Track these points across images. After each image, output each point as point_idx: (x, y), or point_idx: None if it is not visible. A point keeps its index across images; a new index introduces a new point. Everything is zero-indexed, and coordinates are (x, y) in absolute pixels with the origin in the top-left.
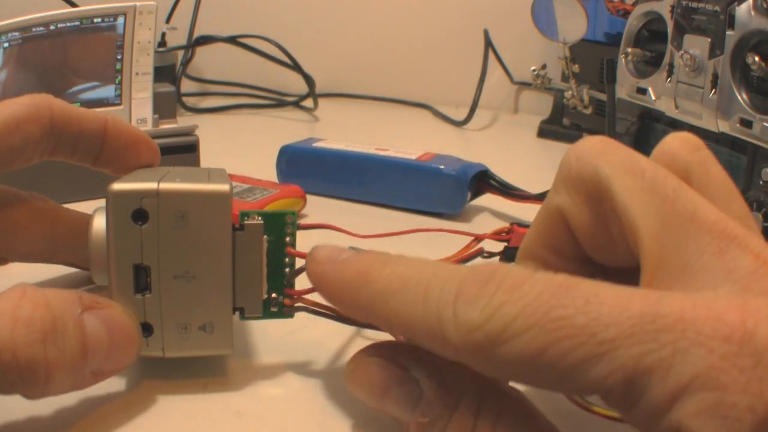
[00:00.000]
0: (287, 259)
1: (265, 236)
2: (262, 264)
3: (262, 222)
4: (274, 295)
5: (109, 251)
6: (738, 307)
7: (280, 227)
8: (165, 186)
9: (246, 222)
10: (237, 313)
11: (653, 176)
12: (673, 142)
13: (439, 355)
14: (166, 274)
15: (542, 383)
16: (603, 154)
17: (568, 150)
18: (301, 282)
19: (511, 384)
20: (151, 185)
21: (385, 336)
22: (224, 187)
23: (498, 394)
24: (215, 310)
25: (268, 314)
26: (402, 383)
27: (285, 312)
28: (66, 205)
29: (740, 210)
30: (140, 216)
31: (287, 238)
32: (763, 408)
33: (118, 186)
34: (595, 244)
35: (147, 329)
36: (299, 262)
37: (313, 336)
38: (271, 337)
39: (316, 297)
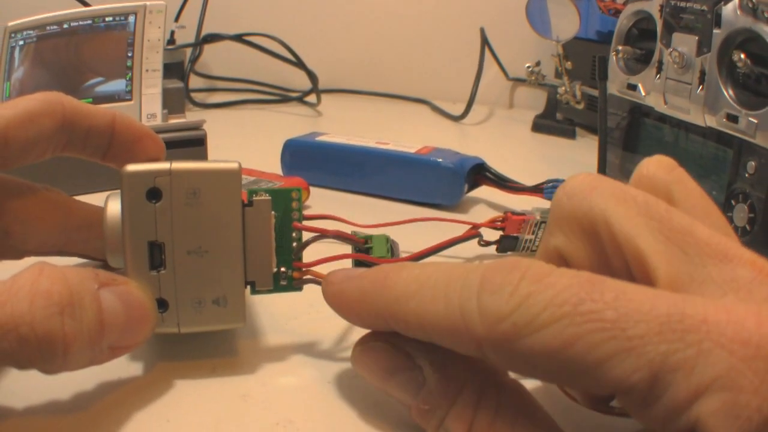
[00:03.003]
0: (294, 234)
1: (273, 212)
2: (270, 238)
3: (269, 198)
4: (283, 268)
5: (124, 230)
6: (754, 313)
7: (286, 203)
8: (177, 165)
9: (255, 198)
10: (248, 287)
11: (645, 201)
12: (650, 166)
13: (459, 351)
14: (179, 250)
15: (565, 378)
16: (593, 189)
17: (557, 191)
18: (309, 255)
19: (513, 377)
20: (164, 165)
21: None
22: (233, 165)
23: (498, 387)
24: (228, 283)
25: (278, 287)
26: (406, 370)
27: (294, 285)
28: (77, 198)
29: (719, 221)
30: (154, 194)
31: (294, 214)
32: None
33: (132, 167)
34: None
35: (162, 305)
36: (306, 237)
37: (318, 318)
38: (277, 319)
39: (323, 269)
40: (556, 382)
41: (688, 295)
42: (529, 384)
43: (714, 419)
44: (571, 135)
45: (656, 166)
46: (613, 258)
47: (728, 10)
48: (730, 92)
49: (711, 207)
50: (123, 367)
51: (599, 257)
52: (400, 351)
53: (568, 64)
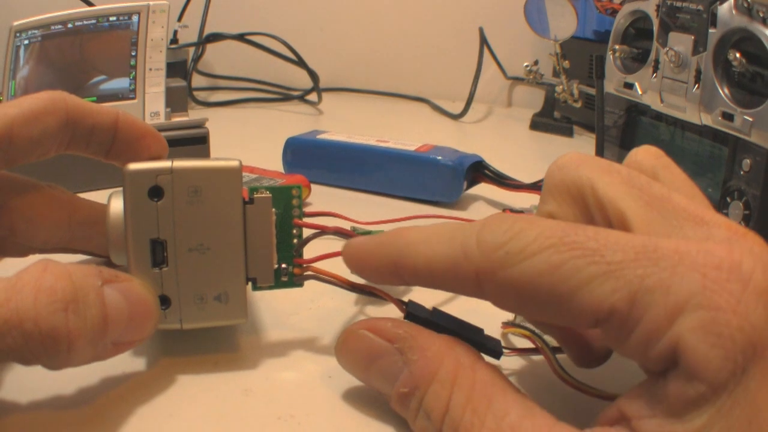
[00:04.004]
0: (295, 231)
1: (273, 209)
2: (271, 235)
3: (270, 196)
4: (284, 265)
5: (127, 227)
6: (725, 246)
7: (287, 200)
8: (179, 164)
9: (255, 196)
10: (250, 283)
11: (628, 173)
12: (639, 153)
13: (458, 290)
14: (181, 248)
15: (552, 307)
16: (582, 162)
17: (550, 165)
18: (309, 252)
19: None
20: (166, 164)
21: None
22: (234, 163)
23: (473, 366)
24: (229, 280)
25: (279, 284)
26: (386, 355)
27: (295, 281)
28: (81, 195)
29: (700, 199)
30: (156, 193)
31: (294, 211)
32: (750, 329)
33: (133, 166)
34: None
35: (165, 302)
36: (306, 233)
37: (319, 314)
38: (278, 314)
39: (324, 265)
40: (545, 313)
41: (662, 237)
42: (523, 384)
43: (695, 337)
44: (569, 133)
45: (644, 153)
46: (599, 220)
47: (724, 9)
48: (726, 91)
49: (694, 189)
50: (126, 363)
51: (586, 220)
52: (381, 337)
53: (566, 63)
